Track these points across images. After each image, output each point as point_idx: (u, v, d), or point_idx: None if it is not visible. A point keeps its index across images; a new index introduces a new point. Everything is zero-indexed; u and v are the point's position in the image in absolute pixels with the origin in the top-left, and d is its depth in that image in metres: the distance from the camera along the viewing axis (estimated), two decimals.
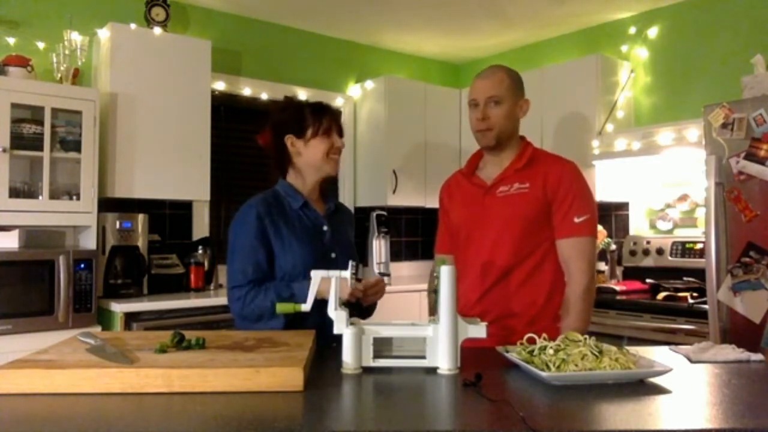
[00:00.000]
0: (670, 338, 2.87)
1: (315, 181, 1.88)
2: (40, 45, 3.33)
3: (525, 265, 1.84)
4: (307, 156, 1.84)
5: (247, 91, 4.10)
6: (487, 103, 1.86)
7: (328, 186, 1.98)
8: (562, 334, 1.66)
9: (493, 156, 1.94)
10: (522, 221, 1.83)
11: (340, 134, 1.87)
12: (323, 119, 1.83)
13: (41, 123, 3.00)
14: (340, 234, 1.90)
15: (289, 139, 1.85)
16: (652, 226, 3.78)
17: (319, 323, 1.64)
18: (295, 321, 1.70)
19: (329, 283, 1.50)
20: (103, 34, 3.40)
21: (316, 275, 1.53)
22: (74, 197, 3.12)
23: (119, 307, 3.00)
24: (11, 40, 3.27)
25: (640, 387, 1.26)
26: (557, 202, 1.82)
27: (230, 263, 1.81)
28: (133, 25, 3.42)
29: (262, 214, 1.79)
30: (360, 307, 1.79)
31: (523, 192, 1.84)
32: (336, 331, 1.41)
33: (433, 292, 1.54)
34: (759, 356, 1.52)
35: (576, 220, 1.80)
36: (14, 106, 2.93)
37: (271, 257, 1.79)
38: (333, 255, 1.84)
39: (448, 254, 1.99)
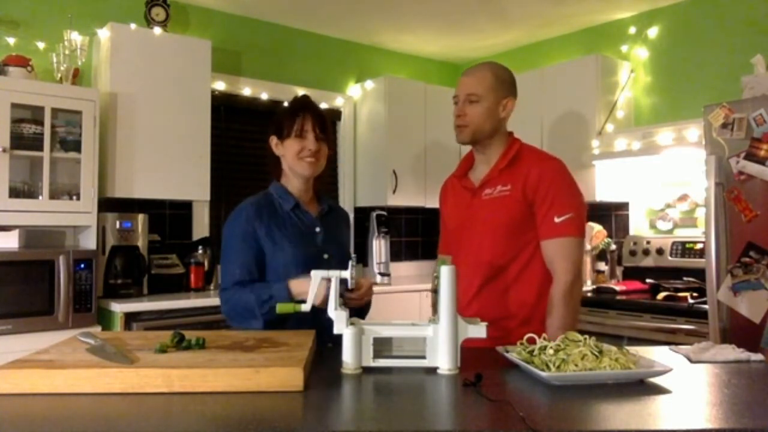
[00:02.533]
0: (670, 338, 2.87)
1: (300, 182, 1.87)
2: (40, 45, 3.33)
3: (513, 267, 1.84)
4: (285, 157, 1.85)
5: (247, 91, 4.10)
6: (465, 101, 1.87)
7: (322, 187, 1.97)
8: (546, 333, 1.66)
9: (480, 155, 1.95)
10: (505, 224, 1.83)
11: (319, 135, 1.82)
12: (296, 119, 1.81)
13: (41, 123, 3.00)
14: (334, 235, 1.90)
15: (273, 141, 1.86)
16: (652, 226, 3.78)
17: (313, 324, 1.65)
18: (290, 322, 1.70)
19: (304, 285, 1.54)
20: (103, 34, 3.40)
21: (316, 275, 1.53)
22: (74, 197, 3.12)
23: (119, 307, 3.00)
24: (11, 40, 3.27)
25: (640, 387, 1.26)
26: (537, 202, 1.81)
27: (221, 266, 1.83)
28: (133, 25, 3.42)
29: (251, 217, 1.79)
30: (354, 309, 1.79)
31: (505, 195, 1.84)
32: (336, 331, 1.41)
33: (434, 291, 1.55)
34: (759, 356, 1.51)
35: (557, 220, 1.78)
36: (14, 106, 2.93)
37: (262, 258, 1.79)
38: (326, 256, 1.83)
39: (448, 255, 2.00)
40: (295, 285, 1.64)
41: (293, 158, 1.82)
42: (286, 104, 1.98)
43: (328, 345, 1.59)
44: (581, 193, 1.89)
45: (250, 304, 1.70)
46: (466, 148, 1.98)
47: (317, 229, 1.86)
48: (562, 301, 1.76)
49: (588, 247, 3.68)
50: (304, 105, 1.86)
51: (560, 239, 1.79)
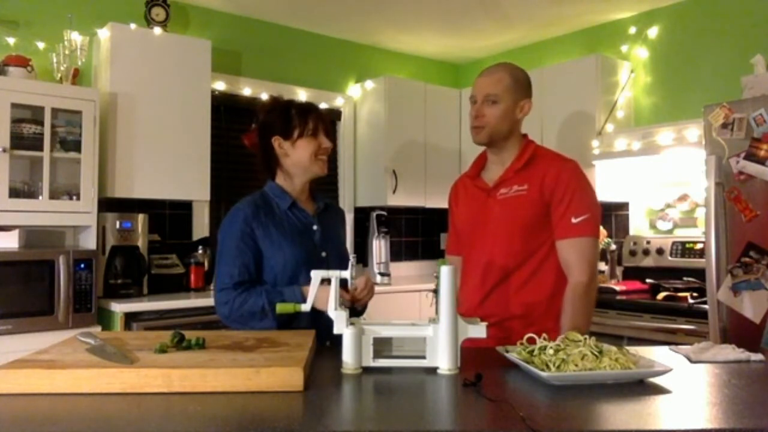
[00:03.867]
0: (670, 338, 2.87)
1: (303, 182, 1.88)
2: (40, 45, 3.33)
3: (526, 267, 1.84)
4: (295, 157, 1.84)
5: (247, 91, 4.10)
6: (483, 101, 1.87)
7: (317, 186, 1.96)
8: (560, 334, 1.67)
9: (494, 155, 1.95)
10: (521, 224, 1.83)
11: (328, 134, 1.86)
12: (309, 120, 1.82)
13: (41, 123, 3.00)
14: (331, 233, 1.90)
15: (277, 141, 1.84)
16: (652, 226, 3.78)
17: (313, 324, 1.66)
18: (288, 321, 1.70)
19: (321, 292, 1.52)
20: (103, 34, 3.40)
21: (316, 275, 1.53)
22: (74, 197, 3.11)
23: (119, 307, 3.00)
24: (11, 40, 3.27)
25: (640, 387, 1.26)
26: (555, 202, 1.81)
27: (218, 266, 1.82)
28: (133, 25, 3.42)
29: (249, 217, 1.79)
30: (353, 309, 1.80)
31: (521, 194, 1.84)
32: (336, 331, 1.41)
33: (433, 291, 1.55)
34: (759, 356, 1.52)
35: (574, 220, 1.78)
36: (14, 106, 2.93)
37: (260, 259, 1.79)
38: (323, 254, 1.84)
39: (457, 255, 2.01)
40: (316, 299, 1.58)
41: (309, 158, 1.82)
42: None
43: (326, 343, 1.59)
44: (596, 194, 1.90)
45: (258, 306, 1.70)
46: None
47: (314, 228, 1.86)
48: (579, 302, 1.76)
49: None
50: (312, 106, 1.89)
51: (577, 239, 1.79)
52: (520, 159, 1.88)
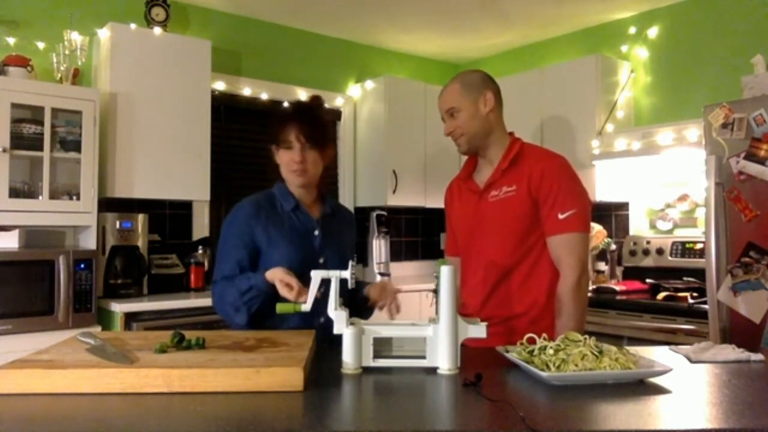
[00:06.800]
0: (670, 338, 2.87)
1: (294, 189, 1.86)
2: (40, 45, 3.33)
3: (523, 266, 1.85)
4: (280, 166, 1.85)
5: (247, 91, 4.10)
6: (448, 117, 1.95)
7: (325, 188, 1.95)
8: (556, 332, 1.67)
9: (482, 158, 1.98)
10: (514, 225, 1.84)
11: (306, 145, 1.77)
12: (284, 130, 1.78)
13: (41, 123, 3.00)
14: (333, 239, 1.88)
15: (273, 148, 1.86)
16: (652, 226, 3.78)
17: (304, 325, 1.67)
18: (262, 319, 1.72)
19: (278, 272, 1.59)
20: (103, 34, 3.40)
21: (316, 275, 1.53)
22: (74, 197, 3.11)
23: (119, 307, 3.00)
24: (11, 40, 3.27)
25: (640, 387, 1.26)
26: (541, 199, 1.82)
27: (216, 261, 1.84)
28: (133, 25, 3.42)
29: (249, 215, 1.80)
30: (360, 308, 1.81)
31: (510, 195, 1.86)
32: (336, 331, 1.41)
33: (433, 291, 1.56)
34: (759, 356, 1.52)
35: (560, 216, 1.79)
36: (14, 106, 2.93)
37: (256, 257, 1.79)
38: (321, 260, 1.82)
39: (456, 256, 2.03)
40: (269, 272, 1.63)
41: (284, 169, 1.83)
42: (286, 104, 1.97)
43: (323, 345, 1.60)
44: (584, 188, 1.90)
45: (233, 297, 1.71)
46: None
47: (316, 232, 1.85)
48: (570, 298, 1.77)
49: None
50: (291, 113, 1.84)
51: (564, 235, 1.80)
52: (505, 158, 1.90)
